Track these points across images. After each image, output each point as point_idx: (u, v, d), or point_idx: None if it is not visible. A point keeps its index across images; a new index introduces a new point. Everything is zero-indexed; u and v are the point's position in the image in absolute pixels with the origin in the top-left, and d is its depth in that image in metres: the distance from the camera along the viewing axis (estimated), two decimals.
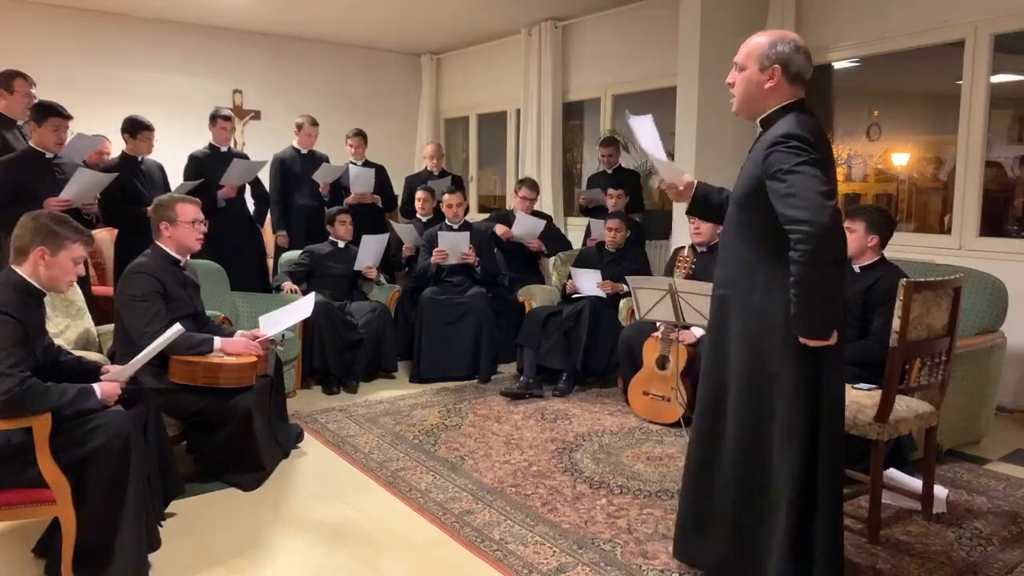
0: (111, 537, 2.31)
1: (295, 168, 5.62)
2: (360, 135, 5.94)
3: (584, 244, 5.55)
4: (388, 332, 4.90)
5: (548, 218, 5.84)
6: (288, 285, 4.85)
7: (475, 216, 7.17)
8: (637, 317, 3.95)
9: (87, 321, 3.53)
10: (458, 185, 5.91)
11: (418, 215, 5.82)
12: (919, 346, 2.68)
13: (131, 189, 4.38)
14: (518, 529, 2.79)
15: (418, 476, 3.30)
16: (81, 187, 3.79)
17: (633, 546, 2.66)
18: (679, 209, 5.11)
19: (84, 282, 3.86)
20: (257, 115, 7.45)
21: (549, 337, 4.66)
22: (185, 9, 6.50)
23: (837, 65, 5.11)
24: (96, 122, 5.32)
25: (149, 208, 3.33)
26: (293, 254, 5.21)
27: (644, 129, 2.39)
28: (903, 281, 2.58)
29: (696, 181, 2.45)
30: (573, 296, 4.89)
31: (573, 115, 7.20)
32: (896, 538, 2.73)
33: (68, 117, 3.89)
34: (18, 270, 2.40)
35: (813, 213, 1.90)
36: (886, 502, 2.87)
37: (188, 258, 3.38)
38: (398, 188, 6.34)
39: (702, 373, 2.33)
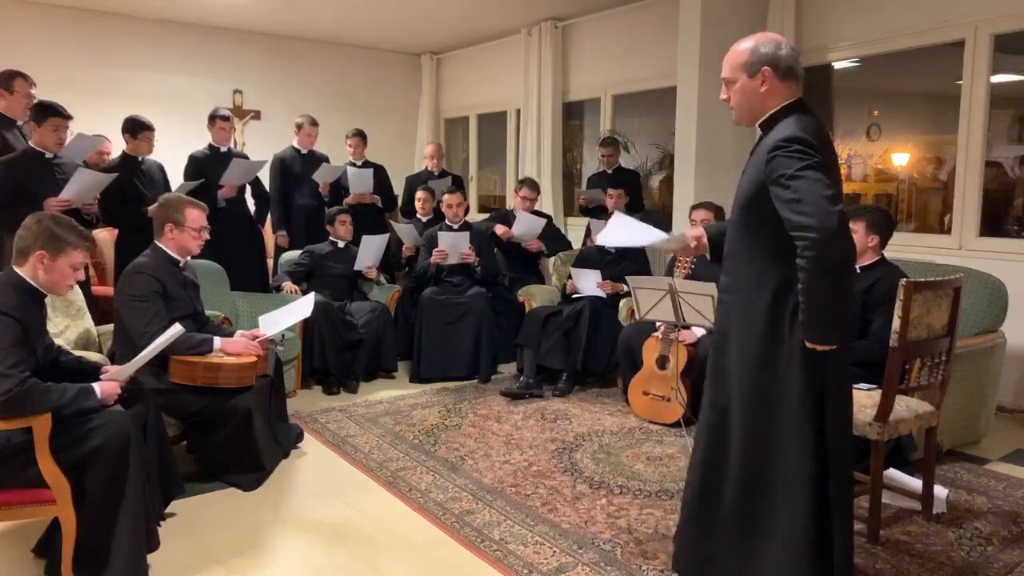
0: (110, 537, 2.31)
1: (295, 168, 5.62)
2: (359, 135, 5.94)
3: (584, 244, 5.55)
4: (388, 332, 4.90)
5: (548, 218, 5.84)
6: (288, 285, 4.85)
7: (475, 216, 7.17)
8: (637, 317, 3.95)
9: (87, 321, 3.53)
10: (458, 185, 5.91)
11: (418, 215, 5.82)
12: (919, 346, 2.68)
13: (131, 189, 4.37)
14: (518, 529, 2.79)
15: (418, 476, 3.30)
16: (81, 187, 3.79)
17: (633, 546, 2.66)
18: (679, 209, 5.11)
19: (84, 282, 3.85)
20: (257, 115, 7.44)
21: (549, 337, 4.66)
22: (185, 9, 6.50)
23: (837, 65, 5.11)
24: (96, 122, 5.33)
25: (150, 208, 3.33)
26: (293, 254, 5.22)
27: (623, 226, 2.32)
28: (903, 281, 2.58)
29: (702, 230, 2.40)
30: (573, 296, 4.90)
31: (573, 115, 7.20)
32: (896, 538, 2.73)
33: (68, 117, 3.89)
34: (19, 271, 2.39)
35: (820, 219, 1.86)
36: (886, 502, 2.87)
37: (188, 258, 3.38)
38: (398, 188, 6.34)
39: (707, 382, 2.28)
